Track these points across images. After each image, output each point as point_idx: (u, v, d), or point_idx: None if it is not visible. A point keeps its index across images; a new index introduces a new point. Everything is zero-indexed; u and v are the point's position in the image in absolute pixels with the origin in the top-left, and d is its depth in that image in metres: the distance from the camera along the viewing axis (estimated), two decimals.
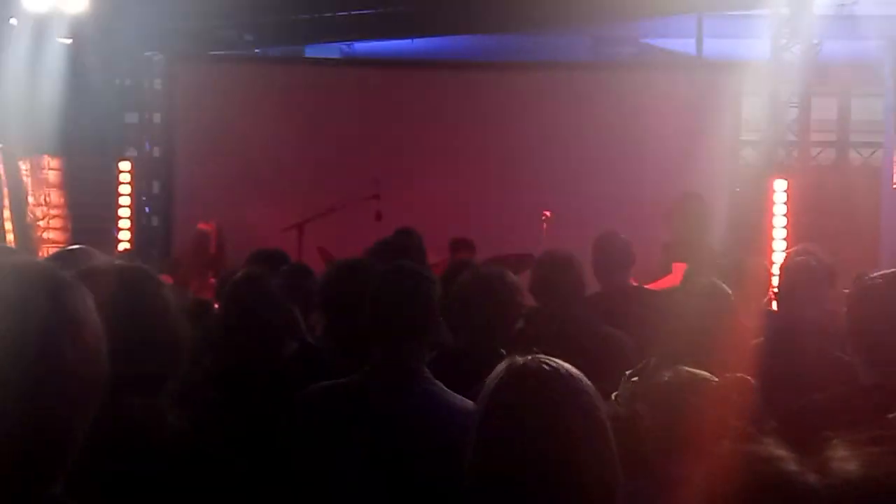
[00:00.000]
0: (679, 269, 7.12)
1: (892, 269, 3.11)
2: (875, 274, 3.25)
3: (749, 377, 2.80)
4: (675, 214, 6.91)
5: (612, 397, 2.76)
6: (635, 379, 2.97)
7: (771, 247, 9.42)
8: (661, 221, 7.30)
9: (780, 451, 1.08)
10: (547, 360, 2.07)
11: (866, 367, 2.99)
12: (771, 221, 9.60)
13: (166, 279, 5.28)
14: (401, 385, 2.97)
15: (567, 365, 2.07)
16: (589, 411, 2.03)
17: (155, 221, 11.04)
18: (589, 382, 2.07)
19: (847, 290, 4.83)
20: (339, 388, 3.05)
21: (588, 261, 4.90)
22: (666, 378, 2.68)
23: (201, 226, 7.94)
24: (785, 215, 9.60)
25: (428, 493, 2.78)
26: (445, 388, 2.98)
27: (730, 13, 11.13)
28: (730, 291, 3.64)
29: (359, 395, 2.97)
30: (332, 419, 2.98)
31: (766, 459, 1.07)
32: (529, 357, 2.09)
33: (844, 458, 1.06)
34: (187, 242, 7.86)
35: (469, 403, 2.84)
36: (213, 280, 7.47)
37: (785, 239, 9.43)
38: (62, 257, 3.44)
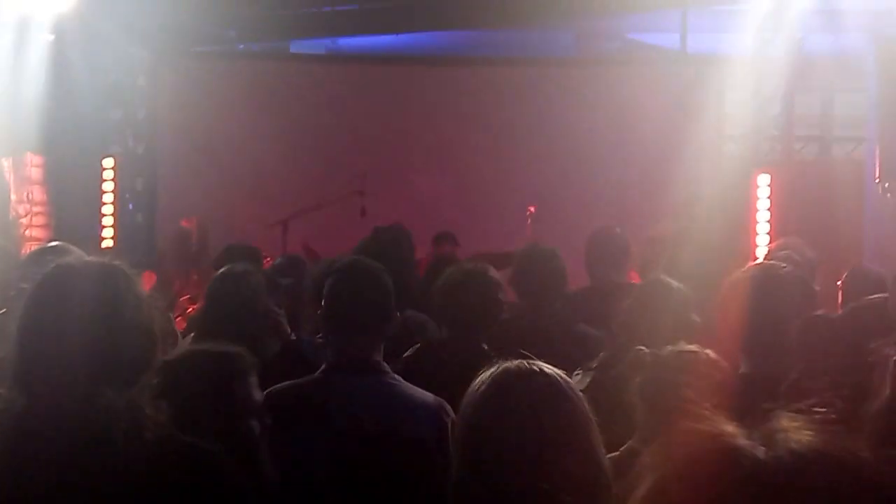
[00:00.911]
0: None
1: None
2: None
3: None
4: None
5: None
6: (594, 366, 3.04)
7: (754, 241, 9.44)
8: (647, 216, 7.34)
9: (729, 427, 1.09)
10: (534, 365, 2.08)
11: (742, 356, 3.19)
12: (754, 216, 9.63)
13: (149, 276, 5.27)
14: (360, 380, 2.98)
15: (552, 368, 2.09)
16: (574, 413, 2.04)
17: (139, 219, 10.99)
18: (572, 384, 2.09)
19: (839, 283, 4.87)
20: (301, 387, 3.07)
21: (572, 256, 4.90)
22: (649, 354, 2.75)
23: (183, 223, 7.91)
24: (768, 209, 9.62)
25: (391, 485, 2.80)
26: (404, 382, 3.01)
27: (713, 8, 11.15)
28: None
29: (320, 391, 2.98)
30: (293, 417, 2.99)
31: (715, 436, 1.08)
32: (515, 362, 2.10)
33: (788, 430, 1.07)
34: (168, 239, 7.83)
35: (429, 397, 2.86)
36: (195, 277, 7.47)
37: (768, 233, 9.45)
38: (40, 254, 3.43)
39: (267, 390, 3.08)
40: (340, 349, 3.06)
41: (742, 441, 1.07)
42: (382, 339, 3.10)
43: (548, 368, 2.10)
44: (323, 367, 3.10)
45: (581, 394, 2.11)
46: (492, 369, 2.12)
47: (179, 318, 6.09)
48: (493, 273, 3.95)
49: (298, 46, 12.30)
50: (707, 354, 2.94)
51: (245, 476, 2.51)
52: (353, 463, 2.91)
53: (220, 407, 2.74)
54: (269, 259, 6.43)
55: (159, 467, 2.17)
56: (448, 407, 2.85)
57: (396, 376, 3.02)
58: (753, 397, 2.63)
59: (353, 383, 2.98)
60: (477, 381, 2.11)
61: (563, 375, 2.11)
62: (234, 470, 2.36)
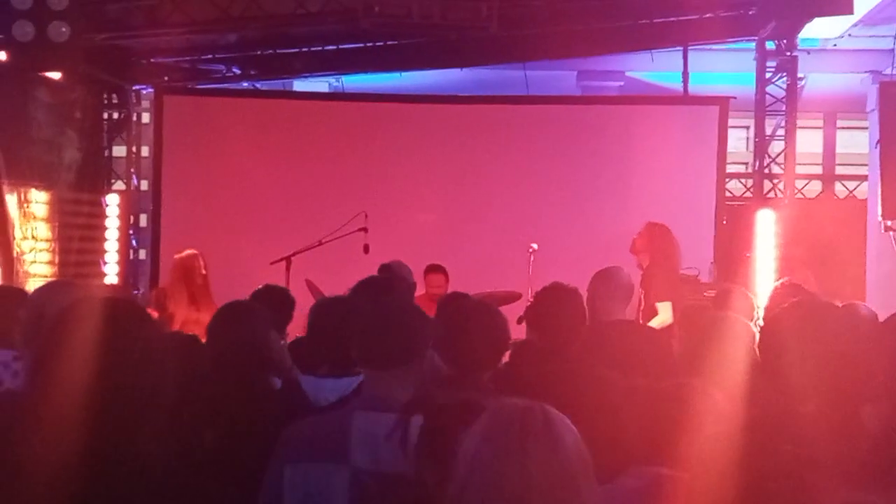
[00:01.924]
0: (665, 308, 7.19)
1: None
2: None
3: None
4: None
5: None
6: None
7: (756, 279, 9.43)
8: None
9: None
10: (529, 407, 2.07)
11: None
12: (757, 254, 9.63)
13: (152, 313, 5.26)
14: (382, 418, 2.97)
15: (547, 409, 2.07)
16: (565, 457, 2.03)
17: (142, 255, 11.03)
18: (569, 425, 2.07)
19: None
20: (322, 421, 3.06)
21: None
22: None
23: (187, 253, 7.83)
24: (772, 247, 9.62)
25: None
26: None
27: (715, 47, 11.22)
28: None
29: (341, 427, 2.96)
30: (312, 451, 2.98)
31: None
32: (512, 402, 2.09)
33: None
34: (173, 271, 7.75)
35: None
36: (195, 311, 7.45)
37: (772, 270, 9.45)
38: (48, 291, 3.44)
39: (290, 424, 3.09)
40: (367, 385, 3.05)
41: None
42: (410, 377, 3.07)
43: (542, 410, 2.08)
44: (350, 401, 3.07)
45: (577, 436, 2.08)
46: (489, 410, 2.11)
47: None
48: (498, 309, 3.95)
49: (303, 84, 12.39)
50: (706, 390, 2.94)
51: None
52: (371, 500, 2.89)
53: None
54: None
55: None
56: None
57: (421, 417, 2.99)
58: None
59: (376, 420, 2.96)
60: (478, 422, 2.10)
61: (559, 416, 2.09)
62: None
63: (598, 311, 5.19)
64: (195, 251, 7.64)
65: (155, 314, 6.53)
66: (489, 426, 2.05)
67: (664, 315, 7.11)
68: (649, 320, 7.06)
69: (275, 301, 5.11)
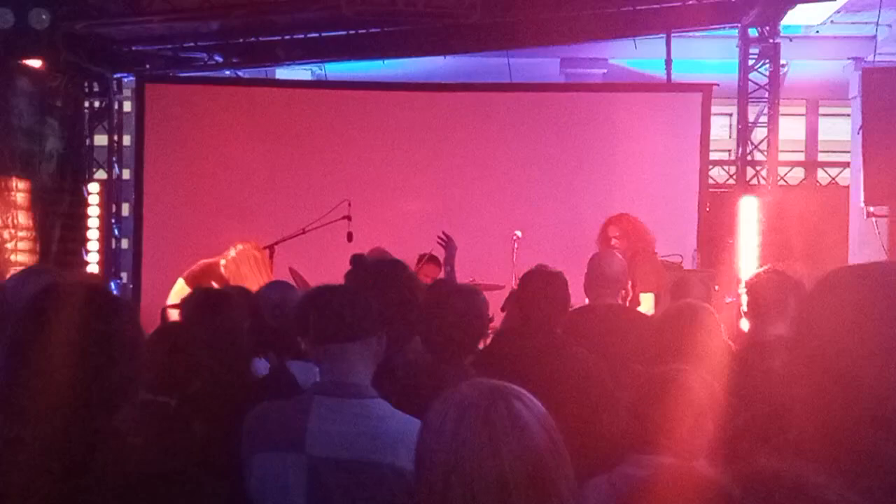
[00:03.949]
0: (647, 300, 7.20)
1: None
2: None
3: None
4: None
5: None
6: None
7: (739, 266, 9.46)
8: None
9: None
10: (500, 389, 2.03)
11: None
12: (740, 241, 9.66)
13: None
14: (343, 403, 2.94)
15: (522, 394, 2.04)
16: (535, 443, 1.99)
17: (125, 244, 10.98)
18: (543, 411, 2.03)
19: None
20: (282, 408, 3.03)
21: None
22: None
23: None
24: (755, 234, 9.65)
25: None
26: (390, 407, 2.95)
27: (698, 34, 11.23)
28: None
29: (301, 413, 2.94)
30: (272, 438, 2.96)
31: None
32: (479, 384, 2.05)
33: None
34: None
35: (415, 424, 2.77)
36: None
37: (755, 257, 9.48)
38: (22, 277, 3.41)
39: (252, 411, 3.06)
40: (325, 370, 3.02)
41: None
42: (368, 356, 3.03)
43: (515, 394, 2.03)
44: (308, 387, 3.06)
45: (548, 422, 2.03)
46: (455, 392, 2.06)
47: None
48: (476, 292, 3.95)
49: (285, 72, 12.34)
50: (698, 373, 2.95)
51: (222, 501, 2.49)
52: (329, 489, 2.86)
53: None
54: None
55: (137, 497, 2.14)
56: None
57: (382, 401, 2.96)
58: None
59: (336, 406, 2.93)
60: (439, 403, 2.05)
61: (533, 401, 2.04)
62: (211, 498, 2.32)
63: (589, 295, 5.25)
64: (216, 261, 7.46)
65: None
66: (454, 416, 2.00)
67: (646, 305, 7.12)
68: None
69: None
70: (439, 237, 6.40)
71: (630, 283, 7.33)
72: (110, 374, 2.20)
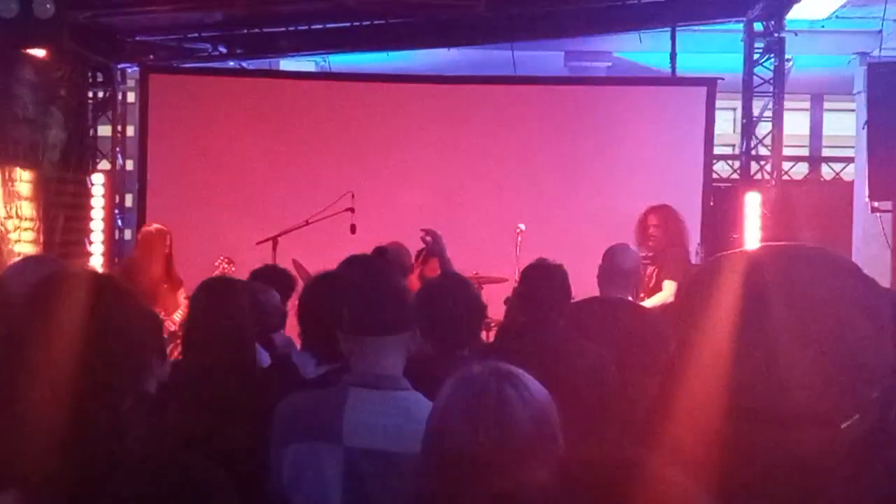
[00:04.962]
0: (669, 286, 7.23)
1: None
2: None
3: None
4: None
5: None
6: None
7: None
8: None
9: None
10: (501, 371, 2.04)
11: None
12: (744, 235, 9.65)
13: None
14: (378, 394, 2.94)
15: (522, 376, 2.05)
16: (534, 422, 2.00)
17: (128, 235, 10.98)
18: (544, 392, 2.04)
19: None
20: (317, 398, 3.03)
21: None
22: None
23: (155, 227, 8.16)
24: (758, 229, 9.64)
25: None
26: (423, 398, 2.95)
27: (704, 28, 11.21)
28: None
29: (337, 404, 2.94)
30: (307, 428, 2.96)
31: None
32: (481, 366, 2.07)
33: None
34: (138, 247, 8.04)
35: None
36: (165, 286, 7.65)
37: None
38: (23, 265, 3.40)
39: (284, 399, 3.06)
40: (359, 362, 3.01)
41: None
42: (402, 350, 3.04)
43: (515, 376, 2.05)
44: (343, 379, 3.04)
45: (538, 412, 2.04)
46: (459, 374, 2.08)
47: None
48: (473, 285, 3.97)
49: (290, 64, 12.33)
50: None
51: (237, 495, 2.48)
52: (365, 480, 2.87)
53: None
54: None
55: (141, 489, 2.13)
56: None
57: (417, 393, 2.96)
58: None
59: (372, 398, 2.94)
60: (445, 386, 2.08)
61: (519, 394, 2.04)
62: (225, 489, 2.32)
63: (601, 286, 5.26)
64: (163, 227, 7.92)
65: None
66: (447, 401, 2.03)
67: (667, 292, 7.15)
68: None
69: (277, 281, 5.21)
70: (422, 237, 6.39)
71: (655, 269, 7.41)
72: (114, 363, 2.19)
